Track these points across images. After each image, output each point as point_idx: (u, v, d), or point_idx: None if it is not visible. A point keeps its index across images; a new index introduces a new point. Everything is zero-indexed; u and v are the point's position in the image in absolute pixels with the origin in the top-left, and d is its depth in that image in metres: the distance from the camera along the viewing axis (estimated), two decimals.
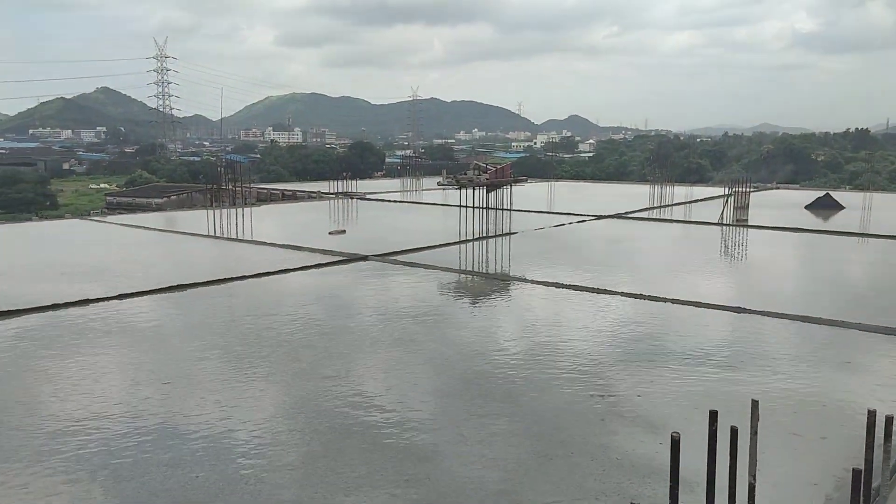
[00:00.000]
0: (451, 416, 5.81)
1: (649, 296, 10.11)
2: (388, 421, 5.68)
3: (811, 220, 20.17)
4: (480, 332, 8.49)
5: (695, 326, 8.69)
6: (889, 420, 3.78)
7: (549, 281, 11.14)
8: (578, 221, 19.08)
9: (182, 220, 20.99)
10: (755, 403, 3.59)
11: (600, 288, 10.61)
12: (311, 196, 28.16)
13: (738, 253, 14.80)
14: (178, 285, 10.75)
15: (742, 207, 21.17)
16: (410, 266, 12.58)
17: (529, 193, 30.02)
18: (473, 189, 16.03)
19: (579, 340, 8.07)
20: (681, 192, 27.97)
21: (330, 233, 16.53)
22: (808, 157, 78.05)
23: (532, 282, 11.22)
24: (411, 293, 10.57)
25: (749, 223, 18.81)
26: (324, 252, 13.84)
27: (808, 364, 7.21)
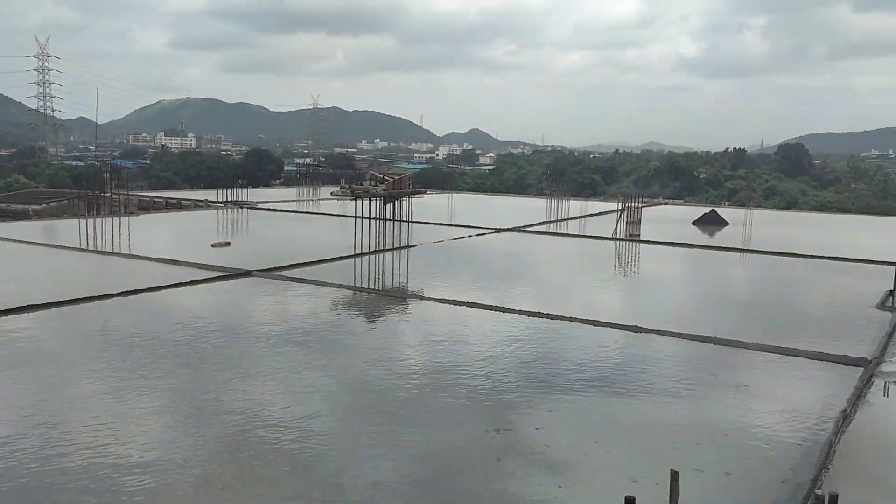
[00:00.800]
0: (335, 463, 5.15)
1: (547, 314, 9.79)
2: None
3: (698, 236, 20.77)
4: (371, 358, 7.86)
5: (593, 347, 8.40)
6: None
7: (448, 298, 10.65)
8: (478, 234, 18.78)
9: (56, 230, 19.23)
10: (675, 475, 3.14)
11: (499, 305, 10.21)
12: (197, 205, 26.59)
13: (632, 268, 14.88)
14: (29, 306, 9.50)
15: (634, 222, 21.55)
16: (298, 282, 11.76)
17: (430, 205, 29.61)
18: (370, 200, 15.36)
19: (477, 363, 7.59)
20: (576, 206, 28.32)
21: (213, 245, 15.41)
22: (691, 175, 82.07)
23: (430, 299, 10.70)
24: (296, 312, 9.81)
25: (641, 238, 19.11)
26: (203, 267, 12.76)
27: (707, 388, 7.02)
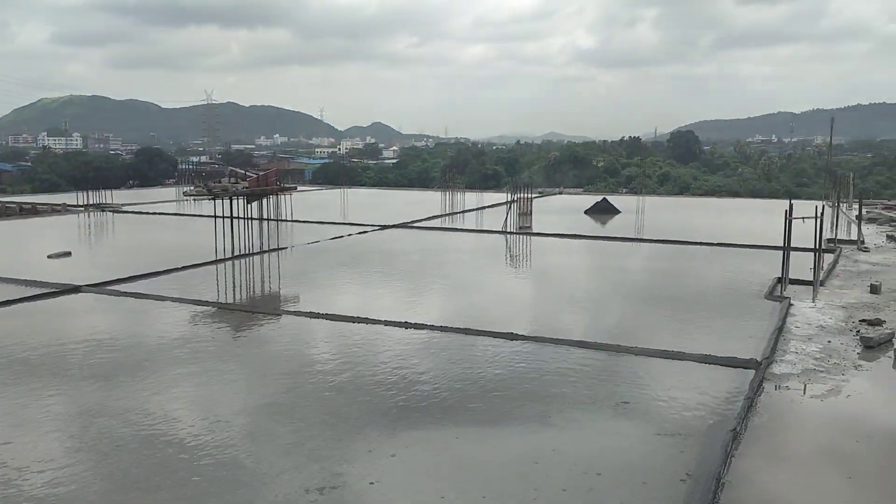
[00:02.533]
0: None
1: (415, 323, 8.65)
2: None
3: (590, 225, 20.25)
4: (191, 401, 6.45)
5: (460, 363, 7.30)
6: None
7: (302, 311, 9.33)
8: (360, 233, 17.48)
9: None
10: None
11: (360, 316, 8.98)
12: (55, 209, 23.99)
13: (518, 264, 13.99)
14: None
15: (526, 214, 20.83)
16: (135, 297, 10.14)
17: (318, 202, 28.08)
18: (230, 199, 13.75)
19: (323, 392, 6.34)
20: (472, 198, 27.46)
21: (49, 256, 13.44)
22: (590, 164, 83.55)
23: (284, 312, 9.34)
24: (119, 341, 8.23)
25: (532, 230, 18.35)
26: (26, 283, 10.91)
27: (583, 409, 6.04)
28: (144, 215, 21.67)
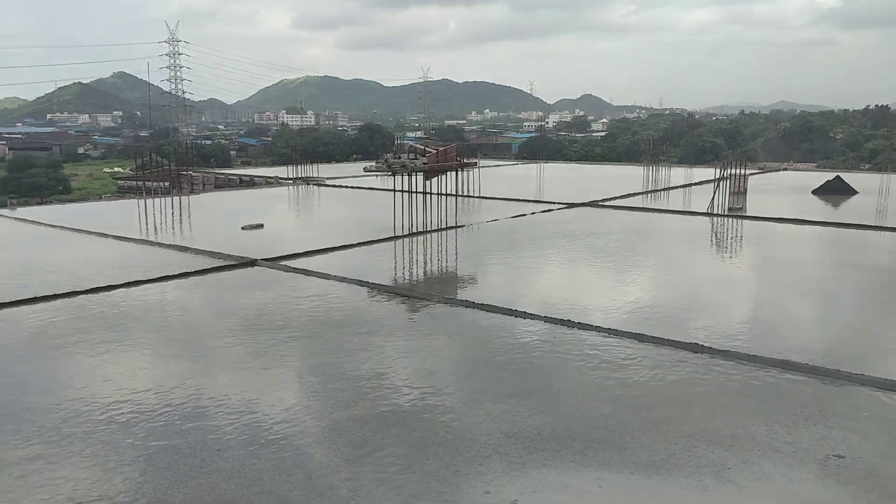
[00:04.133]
0: None
1: (577, 322, 7.50)
2: None
3: (819, 208, 17.36)
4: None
5: (625, 380, 6.08)
6: None
7: (471, 300, 8.52)
8: (544, 211, 16.42)
9: (104, 211, 18.64)
10: None
11: (508, 307, 8.00)
12: (268, 182, 25.67)
13: (721, 254, 12.10)
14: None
15: (739, 193, 18.38)
16: (305, 275, 10.03)
17: (513, 177, 27.40)
18: (410, 175, 13.39)
19: (441, 400, 5.52)
20: (680, 173, 25.10)
21: (243, 227, 14.02)
22: (826, 136, 74.36)
23: (447, 300, 8.62)
24: (265, 324, 8.04)
25: (744, 213, 16.05)
26: (211, 254, 11.32)
27: (777, 461, 4.58)
28: (343, 189, 22.34)
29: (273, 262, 10.75)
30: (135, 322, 7.84)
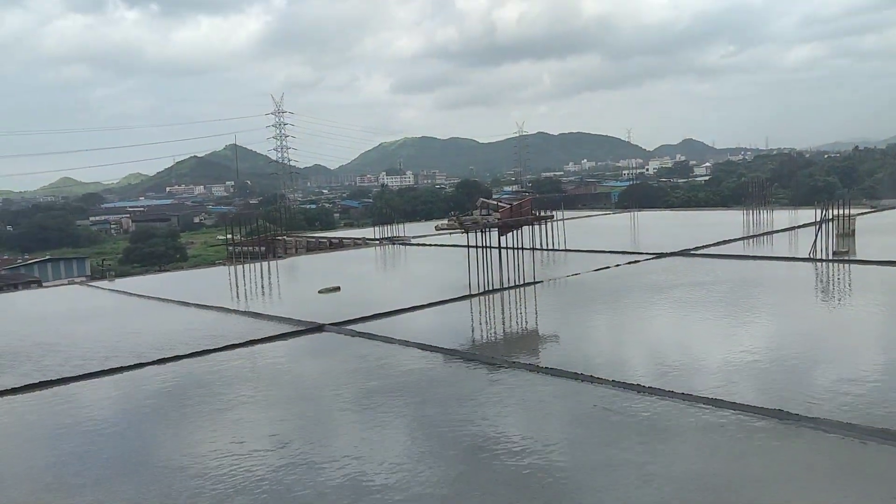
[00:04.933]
0: None
1: (643, 386, 6.87)
2: None
3: None
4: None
5: (708, 450, 5.42)
6: None
7: (542, 365, 8.04)
8: (630, 262, 15.67)
9: (194, 277, 19.40)
10: None
11: (586, 374, 7.44)
12: (356, 243, 26.11)
13: (821, 305, 11.00)
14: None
15: (846, 235, 16.96)
16: (369, 339, 9.86)
17: (602, 227, 26.64)
18: (483, 232, 13.11)
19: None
20: (784, 217, 23.54)
21: (319, 291, 14.13)
22: None
23: (527, 367, 8.13)
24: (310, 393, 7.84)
25: (851, 256, 14.70)
26: (281, 320, 11.39)
27: None
28: (428, 247, 22.34)
29: (340, 326, 10.66)
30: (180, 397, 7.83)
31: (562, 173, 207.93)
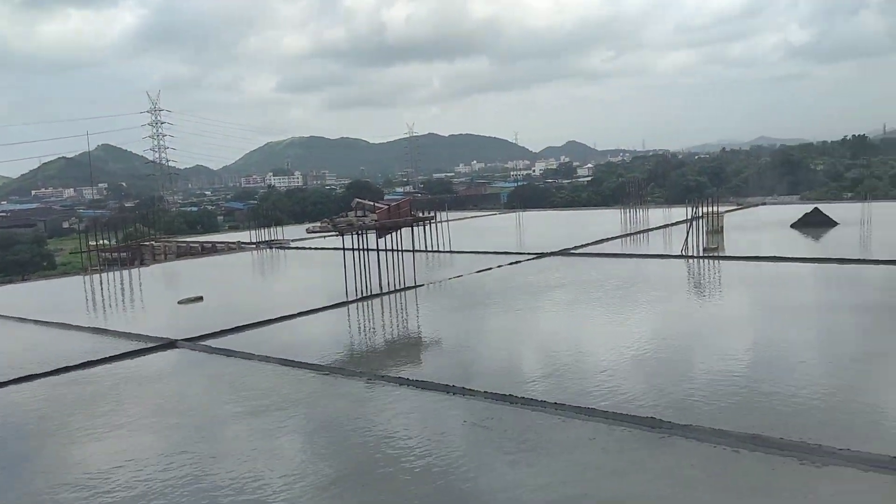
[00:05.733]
0: None
1: (522, 396, 6.44)
2: None
3: (798, 243, 16.48)
4: None
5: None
6: None
7: (413, 378, 7.45)
8: (512, 263, 15.45)
9: (63, 288, 17.54)
10: None
11: (454, 385, 6.94)
12: (230, 248, 24.71)
13: (687, 302, 11.10)
14: None
15: (715, 232, 17.54)
16: (228, 356, 8.94)
17: (486, 228, 26.54)
18: (359, 234, 12.41)
19: None
20: (658, 215, 24.26)
21: (180, 302, 12.97)
22: (806, 168, 74.41)
23: (396, 381, 7.53)
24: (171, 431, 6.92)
25: (720, 252, 15.11)
26: (128, 336, 10.24)
27: None
28: (308, 251, 21.37)
29: (195, 341, 9.67)
30: None
31: (453, 174, 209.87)
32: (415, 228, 19.91)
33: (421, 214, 14.30)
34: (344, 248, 12.76)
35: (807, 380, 6.61)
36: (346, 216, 12.43)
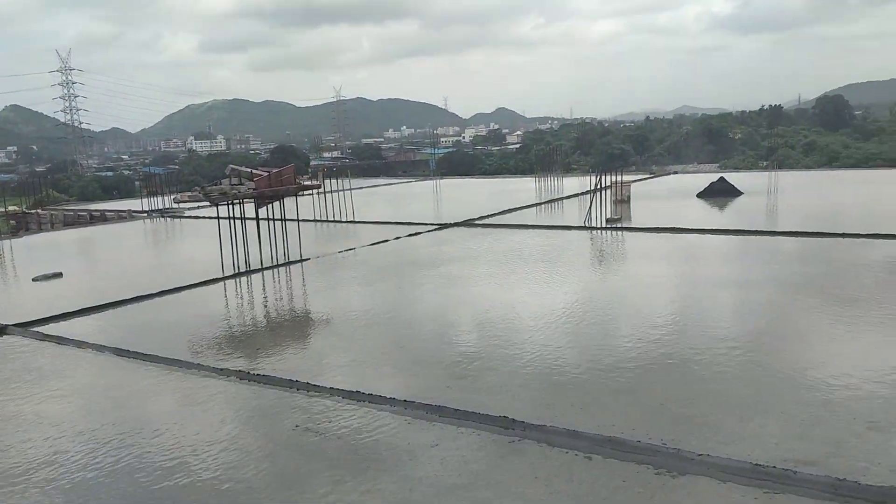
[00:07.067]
0: None
1: (378, 396, 5.69)
2: None
3: (702, 213, 16.27)
4: None
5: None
6: None
7: (257, 372, 6.59)
8: (411, 234, 14.66)
9: None
10: None
11: (304, 381, 6.13)
12: (121, 216, 23.06)
13: (575, 279, 10.56)
14: None
15: (621, 202, 17.19)
16: (60, 344, 7.85)
17: (402, 196, 25.68)
18: (235, 203, 11.32)
19: None
20: (575, 183, 23.82)
21: (34, 279, 11.65)
22: (726, 136, 76.11)
23: (237, 375, 6.65)
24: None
25: (623, 223, 14.71)
26: None
27: None
28: (203, 220, 20.00)
29: (29, 326, 8.52)
30: None
31: (382, 140, 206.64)
32: (317, 196, 18.90)
33: (304, 182, 13.19)
34: (231, 218, 11.68)
35: (675, 364, 6.09)
36: (220, 184, 11.30)
